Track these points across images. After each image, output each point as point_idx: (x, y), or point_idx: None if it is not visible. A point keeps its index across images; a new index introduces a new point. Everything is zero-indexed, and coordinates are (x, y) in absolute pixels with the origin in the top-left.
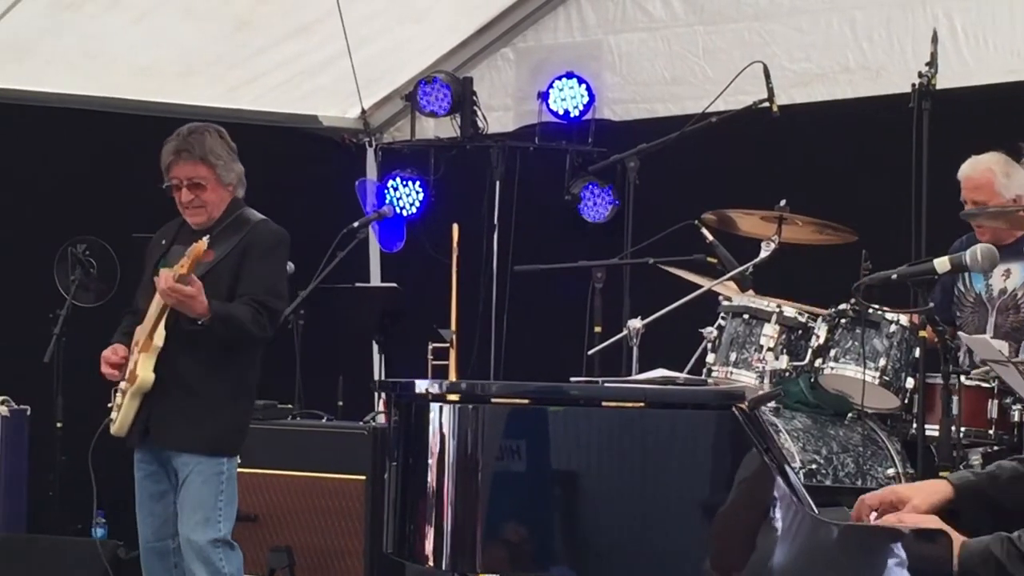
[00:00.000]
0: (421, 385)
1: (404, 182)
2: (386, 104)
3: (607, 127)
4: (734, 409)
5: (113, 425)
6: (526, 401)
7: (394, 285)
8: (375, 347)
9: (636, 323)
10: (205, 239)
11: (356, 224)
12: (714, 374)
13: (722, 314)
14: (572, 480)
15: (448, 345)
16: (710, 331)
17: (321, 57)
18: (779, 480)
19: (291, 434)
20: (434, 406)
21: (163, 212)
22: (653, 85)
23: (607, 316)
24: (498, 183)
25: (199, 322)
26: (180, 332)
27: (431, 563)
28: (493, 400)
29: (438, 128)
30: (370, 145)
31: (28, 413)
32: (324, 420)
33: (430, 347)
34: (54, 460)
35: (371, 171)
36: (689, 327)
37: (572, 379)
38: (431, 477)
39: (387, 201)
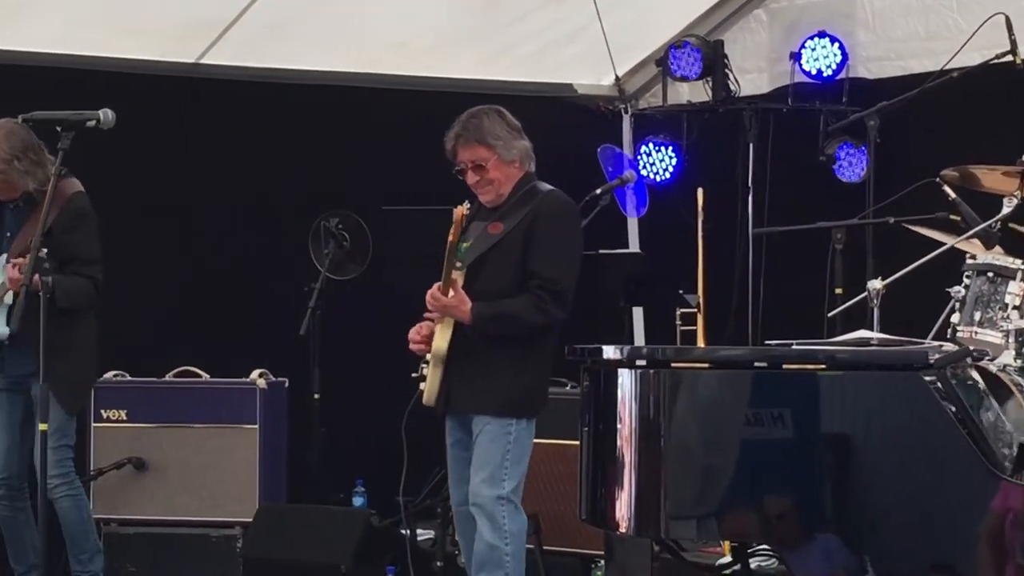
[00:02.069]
0: (608, 351)
1: (657, 147)
2: (640, 70)
3: (862, 86)
4: (920, 370)
5: (424, 395)
6: (705, 365)
7: (636, 251)
8: (634, 313)
9: (876, 284)
10: (455, 227)
11: (599, 191)
12: (959, 334)
13: (967, 273)
14: (755, 443)
15: (695, 310)
16: (958, 290)
17: (573, 26)
18: (968, 442)
19: None
20: (621, 372)
21: (415, 186)
22: (907, 41)
23: (851, 277)
24: (751, 146)
25: (471, 328)
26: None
27: (620, 529)
28: (673, 364)
29: (692, 93)
30: (626, 112)
31: (286, 385)
32: (568, 388)
33: (678, 312)
34: (312, 431)
35: (627, 138)
36: (934, 287)
37: (767, 342)
38: (619, 443)
39: (639, 167)
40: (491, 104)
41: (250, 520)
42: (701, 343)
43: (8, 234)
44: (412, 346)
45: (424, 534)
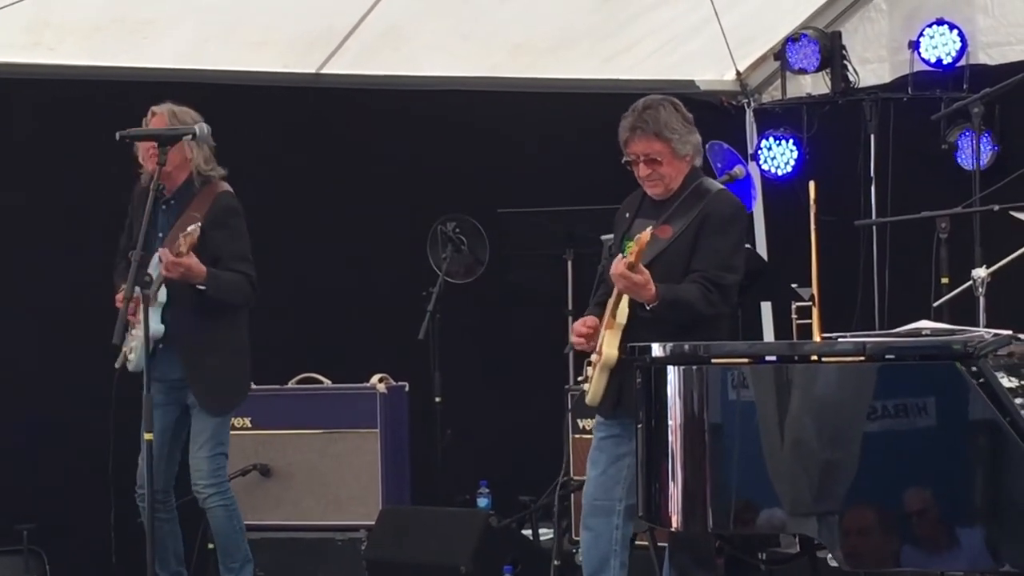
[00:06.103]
0: (656, 349)
1: (777, 141)
2: (762, 64)
3: (983, 72)
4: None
5: (586, 395)
6: (745, 360)
7: (748, 246)
8: (763, 309)
9: (981, 272)
10: (648, 230)
11: None
12: None
13: None
14: (801, 437)
15: (810, 304)
16: None
17: (691, 22)
18: (1011, 432)
19: None
20: (669, 369)
21: (536, 188)
22: None
23: (960, 267)
24: (872, 136)
25: (647, 307)
26: (641, 309)
27: (671, 525)
28: (714, 360)
29: (813, 85)
30: (748, 106)
31: (406, 389)
32: None
33: (793, 307)
34: (435, 434)
35: (750, 132)
36: None
37: (824, 336)
38: (668, 439)
39: (760, 161)
40: (666, 99)
41: (373, 523)
42: (817, 337)
43: (161, 235)
44: (574, 338)
45: (547, 534)
